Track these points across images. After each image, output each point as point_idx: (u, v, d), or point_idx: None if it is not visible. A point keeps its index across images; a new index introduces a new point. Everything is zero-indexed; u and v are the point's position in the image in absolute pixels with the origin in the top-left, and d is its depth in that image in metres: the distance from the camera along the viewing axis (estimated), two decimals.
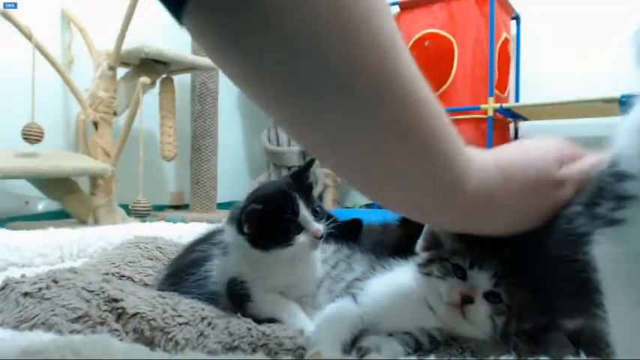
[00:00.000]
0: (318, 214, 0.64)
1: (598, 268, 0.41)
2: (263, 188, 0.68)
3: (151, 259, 0.86)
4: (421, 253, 0.60)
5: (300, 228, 0.62)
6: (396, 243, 0.72)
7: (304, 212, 0.62)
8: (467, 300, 0.52)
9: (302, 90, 0.39)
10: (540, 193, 0.49)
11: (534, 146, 0.52)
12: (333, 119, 0.40)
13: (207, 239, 0.74)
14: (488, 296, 0.54)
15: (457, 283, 0.54)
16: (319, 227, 0.62)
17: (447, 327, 0.54)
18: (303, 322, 0.57)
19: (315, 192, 2.98)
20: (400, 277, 0.59)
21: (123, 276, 0.77)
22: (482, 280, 0.54)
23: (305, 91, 0.39)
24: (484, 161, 0.49)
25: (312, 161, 0.69)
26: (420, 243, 0.61)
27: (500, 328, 0.53)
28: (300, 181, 0.66)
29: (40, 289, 0.56)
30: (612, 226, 0.41)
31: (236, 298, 0.62)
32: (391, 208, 0.52)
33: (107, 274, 0.74)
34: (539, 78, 2.93)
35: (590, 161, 0.50)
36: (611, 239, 0.41)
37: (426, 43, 2.77)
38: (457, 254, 0.56)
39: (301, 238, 0.61)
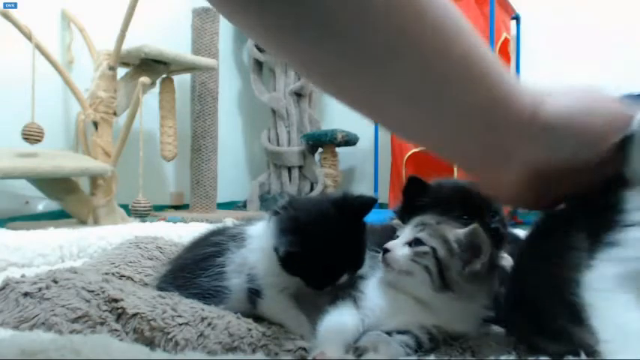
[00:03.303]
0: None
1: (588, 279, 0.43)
2: (319, 220, 0.60)
3: (151, 259, 0.85)
4: None
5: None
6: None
7: (344, 278, 0.59)
8: (385, 250, 0.56)
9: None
10: (593, 97, 0.50)
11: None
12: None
13: (222, 231, 0.72)
14: (412, 244, 0.56)
15: None
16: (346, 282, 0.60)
17: (399, 289, 0.57)
18: (306, 331, 0.57)
19: (315, 192, 2.98)
20: None
21: (123, 276, 0.77)
22: (405, 232, 0.58)
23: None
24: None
25: (373, 200, 0.62)
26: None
27: (435, 272, 0.54)
28: (355, 224, 0.61)
29: (40, 289, 0.56)
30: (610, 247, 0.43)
31: (250, 292, 0.62)
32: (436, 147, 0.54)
33: (107, 274, 0.74)
34: (539, 78, 2.93)
35: None
36: (606, 258, 0.43)
37: None
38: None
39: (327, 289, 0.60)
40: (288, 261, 0.59)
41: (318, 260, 0.58)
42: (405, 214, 0.68)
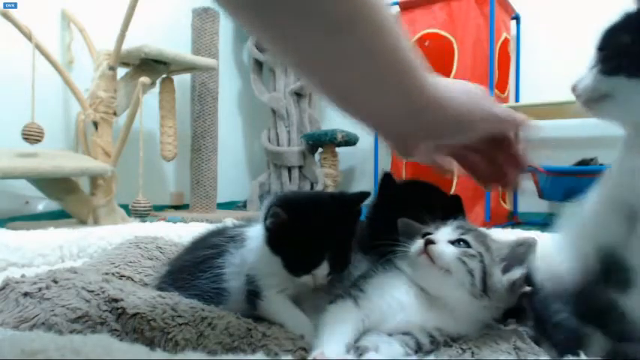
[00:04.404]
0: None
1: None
2: (312, 201, 0.63)
3: (151, 259, 0.85)
4: None
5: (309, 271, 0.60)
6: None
7: (323, 268, 0.59)
8: (429, 241, 0.54)
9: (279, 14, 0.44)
10: (479, 97, 0.57)
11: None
12: (309, 40, 0.46)
13: (221, 233, 0.72)
14: (455, 243, 0.55)
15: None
16: (325, 278, 0.60)
17: (429, 288, 0.55)
18: (306, 330, 0.57)
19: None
20: (399, 276, 0.58)
21: (123, 276, 0.77)
22: (446, 231, 0.57)
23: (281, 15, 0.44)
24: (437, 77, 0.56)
25: (367, 194, 0.64)
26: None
27: (479, 277, 0.53)
28: (346, 216, 0.62)
29: (40, 289, 0.56)
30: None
31: (249, 293, 0.62)
32: (358, 116, 0.57)
33: (107, 274, 0.74)
34: (539, 78, 2.93)
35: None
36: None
37: (426, 44, 2.77)
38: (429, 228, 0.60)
39: (305, 278, 0.60)
40: (274, 232, 0.59)
41: (302, 235, 0.58)
42: (379, 210, 0.69)
